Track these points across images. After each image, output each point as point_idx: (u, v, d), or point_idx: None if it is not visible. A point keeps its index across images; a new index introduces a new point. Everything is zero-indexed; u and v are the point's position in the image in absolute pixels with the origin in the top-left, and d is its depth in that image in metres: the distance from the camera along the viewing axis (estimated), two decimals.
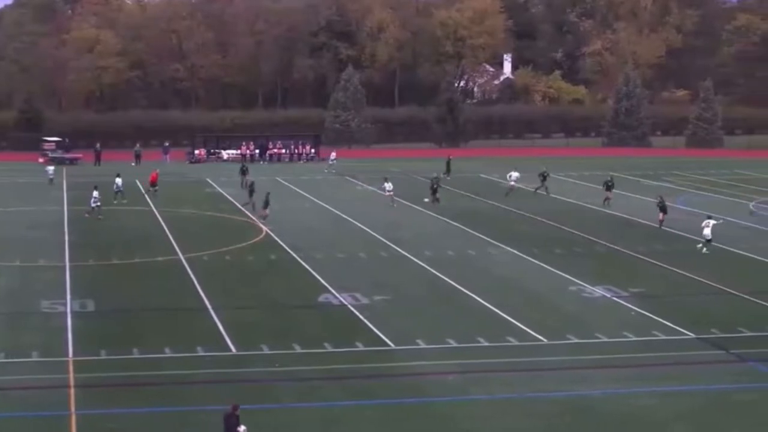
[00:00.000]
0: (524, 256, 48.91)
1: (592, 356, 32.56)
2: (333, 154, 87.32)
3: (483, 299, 39.80)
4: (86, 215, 58.52)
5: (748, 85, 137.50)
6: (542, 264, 47.05)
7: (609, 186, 65.30)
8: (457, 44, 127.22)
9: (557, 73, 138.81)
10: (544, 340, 34.39)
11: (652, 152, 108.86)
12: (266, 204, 57.67)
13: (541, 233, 55.60)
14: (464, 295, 40.82)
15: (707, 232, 50.27)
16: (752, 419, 27.20)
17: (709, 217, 51.70)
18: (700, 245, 50.02)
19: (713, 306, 39.48)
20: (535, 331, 35.18)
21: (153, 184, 68.85)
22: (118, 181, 65.16)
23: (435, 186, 65.05)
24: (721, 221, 52.64)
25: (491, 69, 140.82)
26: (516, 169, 71.68)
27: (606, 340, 34.47)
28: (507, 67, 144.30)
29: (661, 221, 56.43)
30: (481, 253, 49.63)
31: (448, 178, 76.91)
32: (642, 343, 34.11)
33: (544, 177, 70.52)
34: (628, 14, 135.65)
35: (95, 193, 58.81)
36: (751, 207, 65.02)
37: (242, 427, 23.77)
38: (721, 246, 51.67)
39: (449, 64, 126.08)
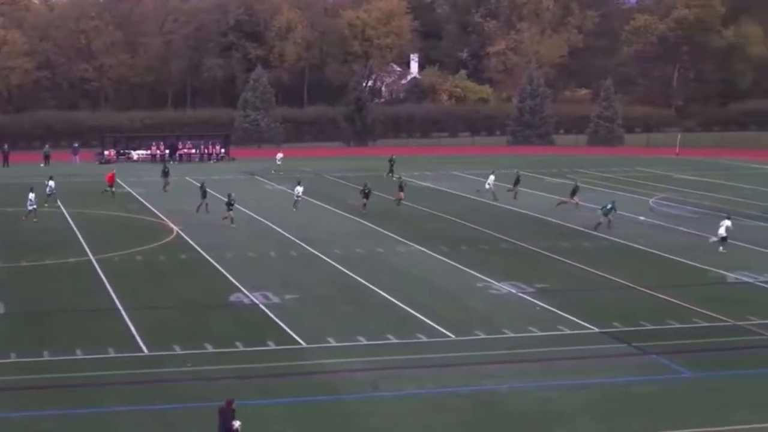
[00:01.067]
0: (433, 253, 49.17)
1: (499, 351, 32.83)
2: (280, 155, 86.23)
3: (392, 297, 39.94)
4: (23, 219, 57.40)
5: (647, 84, 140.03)
6: (450, 261, 47.35)
7: (575, 191, 63.81)
8: (365, 44, 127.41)
9: (463, 72, 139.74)
10: (453, 336, 34.62)
11: (556, 150, 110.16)
12: (229, 206, 56.70)
13: (449, 231, 55.94)
14: (374, 292, 40.94)
15: (721, 230, 50.47)
16: (653, 411, 27.65)
17: (728, 218, 51.80)
18: (721, 249, 50.09)
19: (616, 300, 40.05)
20: (443, 328, 35.41)
21: (110, 184, 68.08)
22: (51, 183, 64.15)
23: (367, 191, 62.69)
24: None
25: (398, 69, 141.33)
26: (494, 173, 69.71)
27: (512, 335, 34.82)
28: (414, 66, 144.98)
29: (599, 224, 56.05)
30: (391, 251, 49.81)
31: (394, 177, 76.61)
32: (547, 338, 34.52)
33: (517, 180, 68.94)
34: (531, 15, 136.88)
35: (31, 196, 57.78)
36: (650, 203, 66.13)
37: (237, 423, 23.63)
38: (621, 242, 52.62)
39: (357, 63, 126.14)
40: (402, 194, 64.91)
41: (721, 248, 50.18)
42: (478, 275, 44.14)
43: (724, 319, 36.83)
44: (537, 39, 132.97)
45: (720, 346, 33.68)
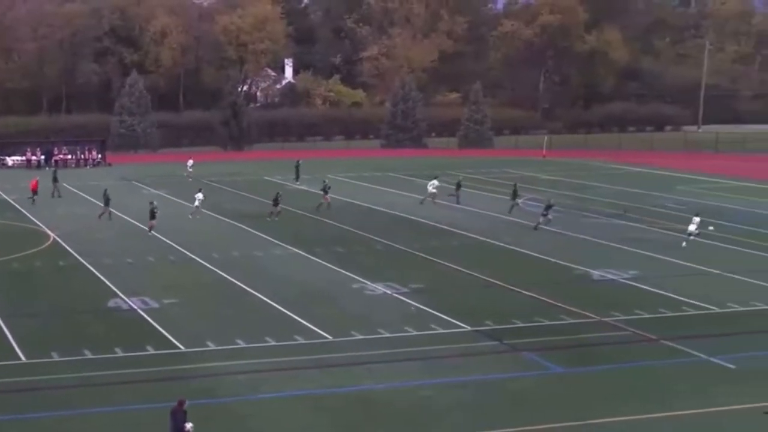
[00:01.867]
0: (309, 256, 49.16)
1: (376, 351, 32.95)
2: (190, 161, 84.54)
3: (270, 299, 39.85)
4: None
5: (514, 88, 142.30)
6: (326, 263, 47.39)
7: (515, 193, 64.72)
8: (240, 49, 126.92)
9: (337, 77, 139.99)
10: (330, 337, 34.65)
11: (428, 153, 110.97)
12: (153, 215, 55.06)
13: (325, 233, 55.98)
14: (252, 295, 40.77)
15: (692, 227, 52.04)
16: (525, 406, 28.10)
17: (697, 215, 53.27)
18: (684, 244, 51.61)
19: (487, 299, 40.55)
20: (320, 329, 35.42)
21: (34, 191, 66.24)
22: None
23: (278, 199, 61.37)
24: (711, 228, 54.25)
25: (273, 73, 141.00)
26: (437, 177, 69.27)
27: (388, 335, 34.98)
28: (288, 71, 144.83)
29: (539, 224, 57.21)
30: (267, 254, 49.66)
31: (298, 183, 76.45)
32: (422, 337, 34.76)
33: (458, 185, 68.64)
34: (402, 20, 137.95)
35: None
36: (519, 203, 66.94)
37: (189, 425, 23.39)
38: (490, 241, 53.33)
39: (232, 68, 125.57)
40: (328, 197, 64.39)
41: (684, 243, 51.67)
42: (354, 276, 44.29)
43: (591, 315, 37.58)
44: (408, 44, 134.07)
45: (587, 342, 34.33)
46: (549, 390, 29.40)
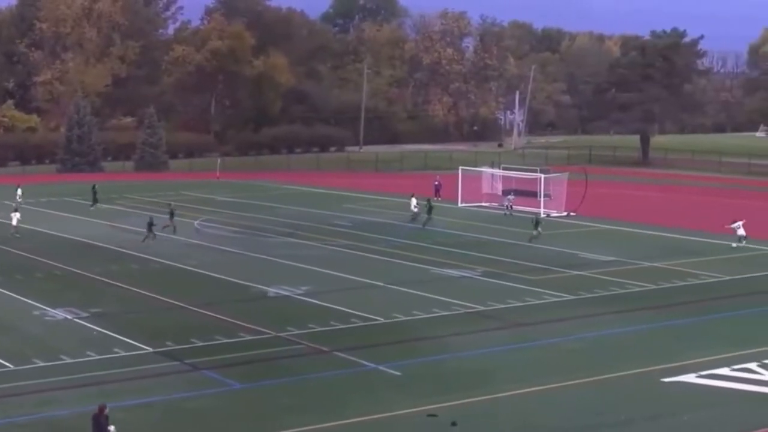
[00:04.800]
0: None
1: (59, 378, 31.96)
2: (19, 191, 77.46)
3: None
4: None
5: (187, 111, 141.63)
6: (4, 291, 45.41)
7: (429, 209, 66.48)
8: None
9: (10, 102, 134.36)
10: (11, 366, 33.30)
11: (105, 177, 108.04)
12: None
13: (1, 261, 53.63)
14: None
15: (741, 231, 56.95)
16: (208, 424, 28.11)
17: (734, 221, 57.94)
18: (734, 245, 56.58)
19: (167, 320, 40.18)
20: (1, 358, 33.96)
21: None
22: None
23: (152, 223, 58.81)
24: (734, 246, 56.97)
25: None
26: (413, 196, 70.53)
27: (70, 361, 33.98)
28: None
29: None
30: None
31: (93, 207, 73.73)
32: (105, 361, 33.99)
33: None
34: (75, 45, 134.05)
35: None
36: (196, 225, 66.82)
37: (111, 427, 23.05)
38: (169, 263, 52.90)
39: None
40: (173, 221, 62.70)
41: (734, 245, 56.57)
42: (33, 303, 42.72)
43: (267, 331, 37.98)
44: (82, 69, 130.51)
45: (264, 357, 34.69)
46: (230, 406, 29.51)
